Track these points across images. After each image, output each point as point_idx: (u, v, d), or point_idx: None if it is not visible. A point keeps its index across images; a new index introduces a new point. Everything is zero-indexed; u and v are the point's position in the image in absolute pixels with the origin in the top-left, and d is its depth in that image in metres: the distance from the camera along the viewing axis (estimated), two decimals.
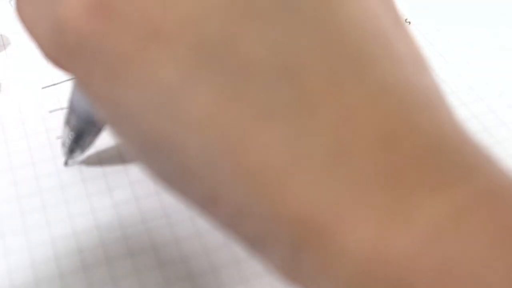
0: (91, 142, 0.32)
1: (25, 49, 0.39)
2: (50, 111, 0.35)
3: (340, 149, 0.17)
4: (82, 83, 0.20)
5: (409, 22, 0.41)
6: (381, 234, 0.17)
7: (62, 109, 0.35)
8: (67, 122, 0.31)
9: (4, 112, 0.35)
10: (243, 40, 0.18)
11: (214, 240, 0.29)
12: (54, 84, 0.37)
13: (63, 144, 0.32)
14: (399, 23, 0.20)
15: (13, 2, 0.42)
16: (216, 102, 0.18)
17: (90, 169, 0.32)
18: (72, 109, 0.30)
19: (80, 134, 0.31)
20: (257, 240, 0.20)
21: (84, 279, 0.28)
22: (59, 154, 0.33)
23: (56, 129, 0.34)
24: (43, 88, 0.36)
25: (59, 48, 0.20)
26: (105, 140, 0.32)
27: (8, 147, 0.33)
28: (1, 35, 0.40)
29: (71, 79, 0.37)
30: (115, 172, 0.32)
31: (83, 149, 0.32)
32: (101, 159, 0.33)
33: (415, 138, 0.17)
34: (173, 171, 0.20)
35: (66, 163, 0.33)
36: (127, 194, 0.31)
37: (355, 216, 0.17)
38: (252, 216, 0.19)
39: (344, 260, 0.17)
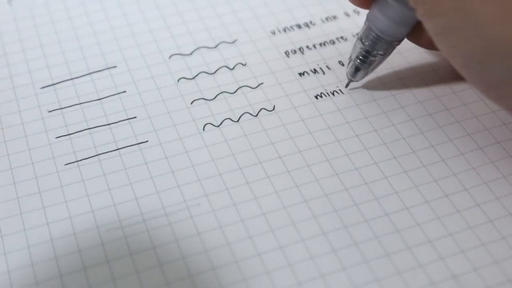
0: (377, 64, 0.33)
1: (24, 48, 0.39)
2: (49, 111, 0.35)
3: None
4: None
5: None
6: None
7: (61, 108, 0.35)
8: (362, 39, 0.32)
9: (3, 112, 0.35)
10: None
11: (214, 240, 0.29)
12: (53, 84, 0.37)
13: (350, 61, 0.33)
14: None
15: (12, 2, 0.42)
16: None
17: (89, 168, 0.32)
18: (370, 27, 0.31)
19: (370, 51, 0.32)
20: None
21: (84, 279, 0.28)
22: (59, 153, 0.33)
23: (55, 129, 0.34)
24: (42, 87, 0.36)
25: None
26: None
27: (8, 147, 0.33)
28: (0, 34, 0.40)
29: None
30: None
31: (367, 69, 0.33)
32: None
33: None
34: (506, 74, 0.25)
35: (347, 86, 0.35)
36: (127, 193, 0.31)
37: None
38: None
39: None
